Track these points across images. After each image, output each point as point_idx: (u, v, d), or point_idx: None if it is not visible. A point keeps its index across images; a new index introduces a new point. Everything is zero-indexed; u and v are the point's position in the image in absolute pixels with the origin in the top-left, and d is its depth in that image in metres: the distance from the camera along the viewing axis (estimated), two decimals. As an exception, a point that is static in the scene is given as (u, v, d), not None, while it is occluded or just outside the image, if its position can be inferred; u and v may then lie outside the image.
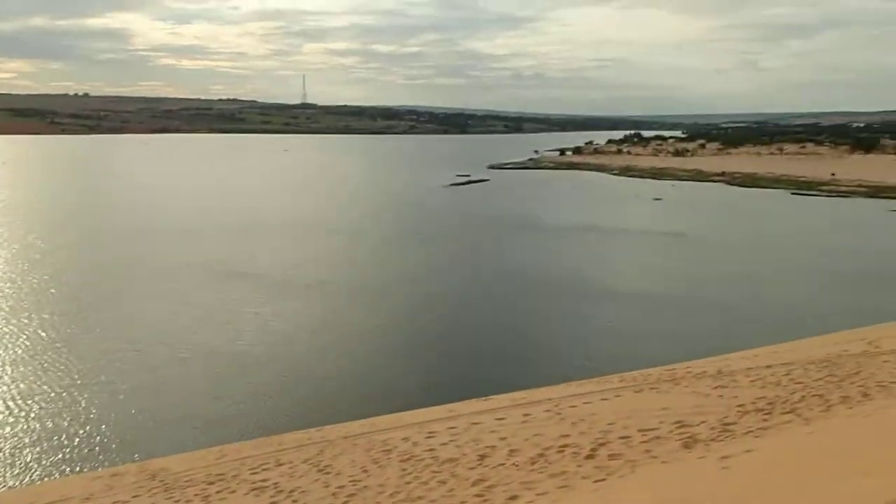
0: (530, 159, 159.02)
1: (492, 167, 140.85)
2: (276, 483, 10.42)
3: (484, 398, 15.94)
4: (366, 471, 10.29)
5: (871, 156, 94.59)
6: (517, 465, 9.73)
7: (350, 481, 9.81)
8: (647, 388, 14.62)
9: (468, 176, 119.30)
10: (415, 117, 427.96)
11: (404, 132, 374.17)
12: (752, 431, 9.70)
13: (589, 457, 9.68)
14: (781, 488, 4.56)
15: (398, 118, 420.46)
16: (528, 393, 15.79)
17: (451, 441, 11.36)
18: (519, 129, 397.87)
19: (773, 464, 6.51)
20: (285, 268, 47.89)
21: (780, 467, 6.10)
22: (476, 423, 12.63)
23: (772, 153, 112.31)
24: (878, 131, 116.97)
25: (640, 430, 10.61)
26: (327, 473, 10.49)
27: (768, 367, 14.86)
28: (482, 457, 10.30)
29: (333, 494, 9.40)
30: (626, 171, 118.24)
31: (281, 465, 11.59)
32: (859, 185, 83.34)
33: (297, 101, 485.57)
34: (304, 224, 68.69)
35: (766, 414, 10.72)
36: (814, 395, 11.30)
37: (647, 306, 38.57)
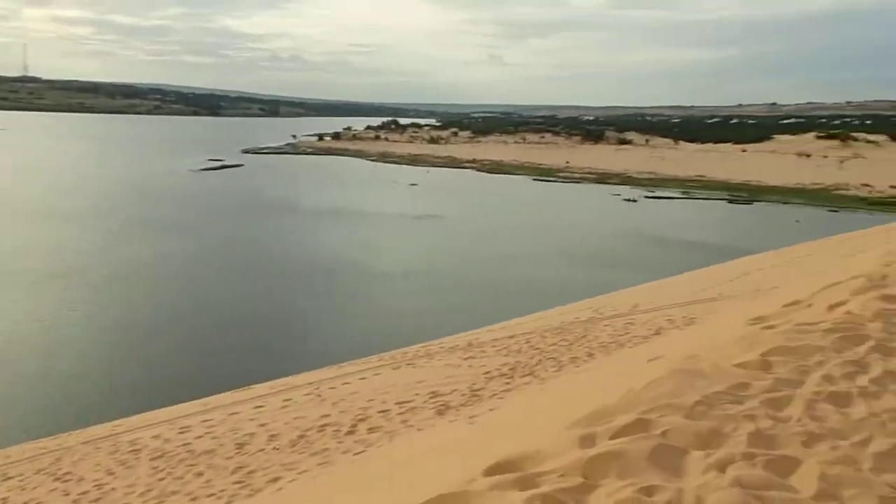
0: (288, 144, 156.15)
1: (247, 152, 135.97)
2: (3, 498, 9.47)
3: (241, 389, 15.72)
4: (112, 473, 9.75)
5: (598, 146, 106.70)
6: (278, 449, 9.86)
7: (94, 486, 9.25)
8: (405, 365, 15.45)
9: (221, 161, 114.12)
10: (160, 96, 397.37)
11: (148, 112, 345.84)
12: (496, 394, 10.81)
13: (349, 433, 10.11)
14: (512, 431, 5.26)
15: (141, 97, 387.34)
16: (288, 379, 15.86)
17: (207, 433, 11.14)
18: (276, 113, 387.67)
19: (509, 416, 7.39)
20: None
21: (514, 417, 6.96)
22: (234, 413, 12.48)
23: (516, 142, 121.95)
24: (604, 124, 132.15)
25: (397, 403, 11.29)
26: (66, 481, 9.77)
27: (511, 336, 16.45)
28: (241, 445, 10.27)
29: (75, 502, 8.81)
30: (384, 157, 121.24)
31: (9, 478, 10.52)
32: (589, 172, 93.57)
33: (16, 73, 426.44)
34: (22, 211, 61.12)
35: (508, 378, 11.97)
36: (549, 359, 12.82)
37: (409, 286, 40.26)
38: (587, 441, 3.24)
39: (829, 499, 2.76)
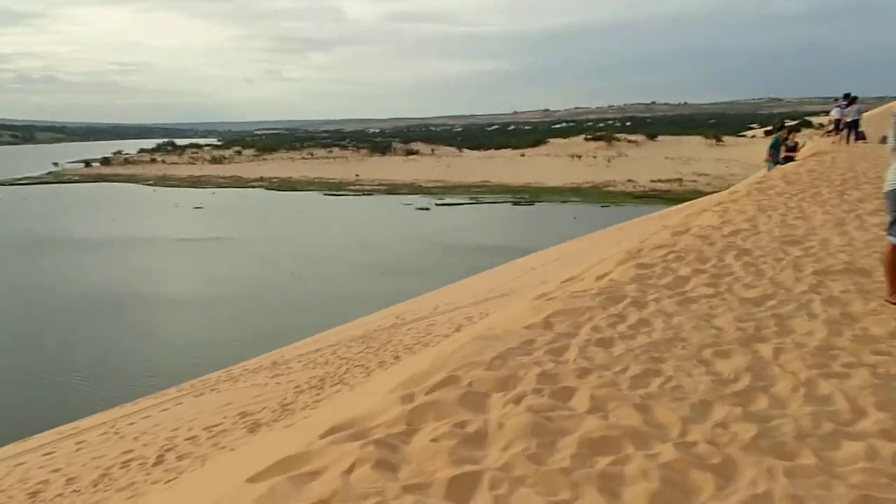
0: (50, 173, 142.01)
1: (1, 184, 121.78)
2: None
3: (23, 440, 14.48)
4: None
5: (386, 157, 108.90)
6: (78, 491, 9.41)
7: None
8: (208, 391, 15.14)
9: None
10: None
11: None
12: (308, 405, 11.08)
13: (156, 464, 9.88)
14: (338, 408, 5.68)
15: None
16: (77, 423, 14.87)
17: (-9, 490, 10.27)
18: (31, 139, 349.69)
19: (332, 407, 7.76)
20: None
21: (338, 406, 7.36)
22: (20, 465, 11.57)
23: (304, 158, 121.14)
24: (390, 136, 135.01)
25: (205, 429, 11.16)
26: None
27: (317, 350, 16.72)
28: (34, 494, 9.65)
29: None
30: (163, 181, 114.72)
31: None
32: (380, 184, 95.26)
33: None
34: None
35: (318, 389, 12.27)
36: (357, 366, 13.29)
37: (202, 313, 38.67)
38: (407, 399, 3.79)
39: (597, 411, 3.55)
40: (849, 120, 24.37)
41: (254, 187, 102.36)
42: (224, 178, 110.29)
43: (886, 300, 5.34)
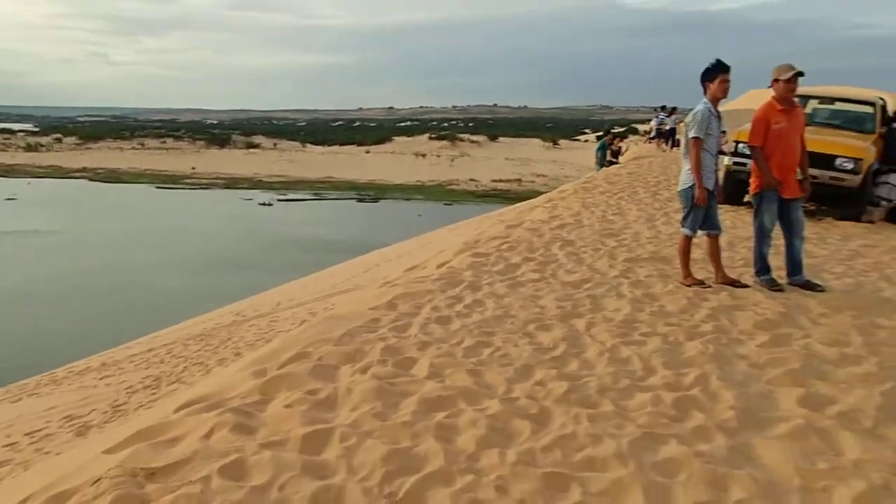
0: None
1: None
2: None
3: None
4: None
5: (225, 150, 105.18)
6: None
7: None
8: (27, 396, 14.28)
9: None
10: None
11: None
12: (143, 405, 10.85)
13: (-32, 474, 9.33)
14: (188, 389, 5.79)
15: None
16: None
17: None
18: None
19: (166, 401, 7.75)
20: None
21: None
22: None
23: (134, 148, 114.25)
24: (230, 128, 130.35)
25: (26, 434, 10.62)
26: None
27: (150, 350, 16.19)
28: None
29: None
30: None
31: None
32: (218, 178, 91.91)
33: None
34: None
35: (154, 389, 12.00)
36: (195, 364, 13.10)
37: (17, 313, 35.75)
38: (260, 374, 4.09)
39: (435, 376, 4.04)
40: (667, 128, 26.95)
41: (76, 178, 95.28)
42: (41, 167, 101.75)
43: (681, 282, 6.26)
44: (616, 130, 55.10)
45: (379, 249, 29.80)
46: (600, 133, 22.14)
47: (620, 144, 22.54)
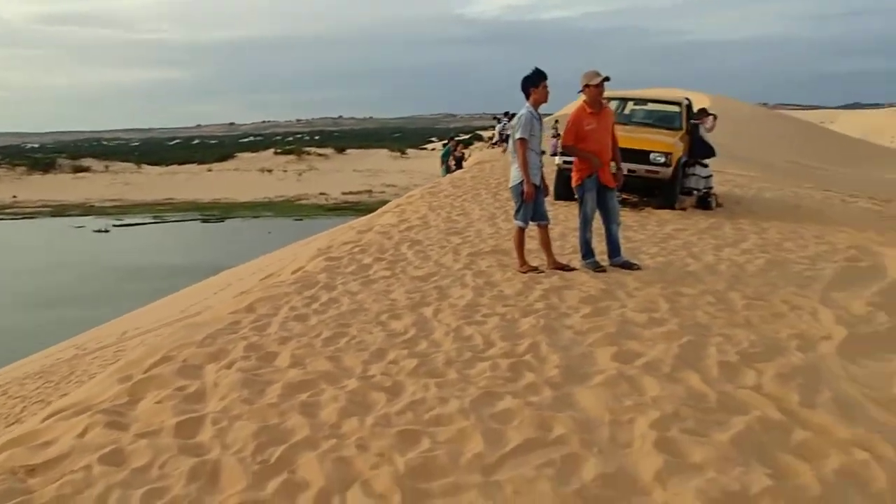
0: None
1: None
2: None
3: None
4: None
5: (50, 175, 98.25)
6: None
7: None
8: None
9: None
10: None
11: None
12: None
13: None
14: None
15: None
16: None
17: None
18: None
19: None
20: None
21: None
22: None
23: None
24: (54, 151, 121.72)
25: None
26: None
27: (-20, 394, 15.24)
28: None
29: None
30: None
31: None
32: (43, 205, 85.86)
33: None
34: None
35: (-8, 429, 11.41)
36: (35, 402, 12.55)
37: None
38: (126, 379, 4.32)
39: (297, 365, 4.45)
40: (508, 133, 28.44)
41: None
42: None
43: (518, 270, 6.98)
44: (461, 137, 56.89)
45: (229, 269, 29.23)
46: (446, 141, 23.17)
47: (464, 151, 23.65)
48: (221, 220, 73.25)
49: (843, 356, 4.78)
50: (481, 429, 3.53)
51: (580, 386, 4.15)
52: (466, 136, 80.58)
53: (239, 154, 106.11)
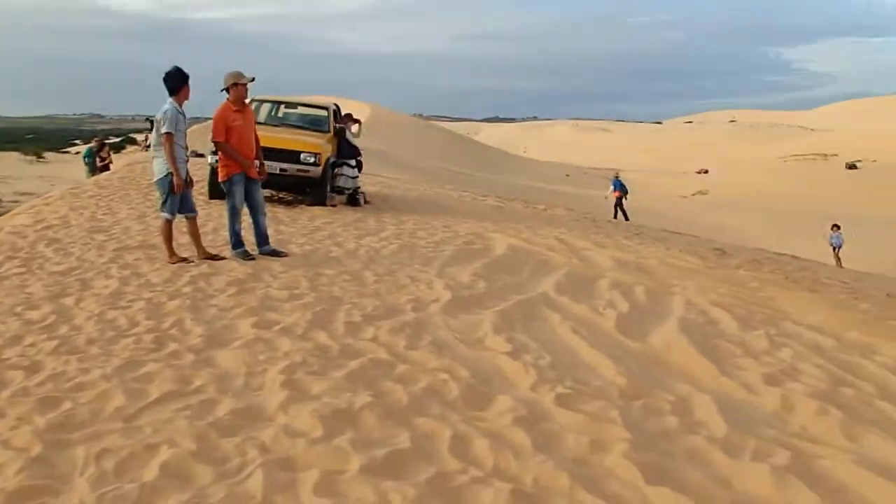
0: None
1: None
2: None
3: None
4: None
5: None
6: None
7: None
8: None
9: None
10: None
11: None
12: None
13: None
14: None
15: None
16: None
17: None
18: None
19: None
20: None
21: None
22: None
23: None
24: None
25: None
26: None
27: None
28: None
29: None
30: None
31: None
32: None
33: None
34: None
35: None
36: None
37: None
38: None
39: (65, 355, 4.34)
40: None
41: None
42: None
43: (167, 261, 7.27)
44: (111, 141, 53.24)
45: None
46: (92, 144, 21.75)
47: (110, 151, 22.56)
48: None
49: (445, 313, 5.97)
50: (123, 388, 3.92)
51: (221, 350, 4.71)
52: (118, 139, 75.40)
53: None
